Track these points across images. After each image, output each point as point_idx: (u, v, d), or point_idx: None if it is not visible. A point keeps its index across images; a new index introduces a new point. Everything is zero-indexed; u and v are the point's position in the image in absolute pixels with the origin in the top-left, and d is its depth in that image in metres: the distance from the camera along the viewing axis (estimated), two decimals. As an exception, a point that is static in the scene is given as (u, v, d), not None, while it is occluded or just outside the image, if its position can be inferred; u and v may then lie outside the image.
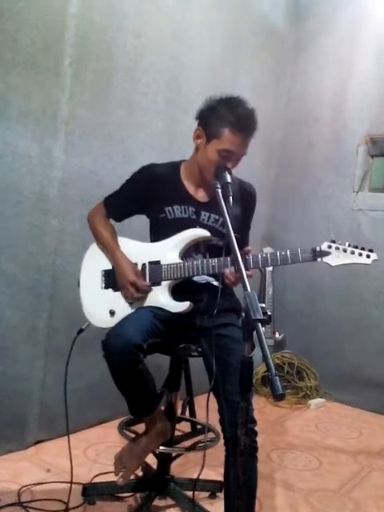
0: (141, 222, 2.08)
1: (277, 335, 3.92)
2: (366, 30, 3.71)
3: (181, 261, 1.88)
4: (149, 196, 1.98)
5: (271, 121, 3.90)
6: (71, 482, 2.00)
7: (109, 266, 1.97)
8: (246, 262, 1.73)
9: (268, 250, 3.70)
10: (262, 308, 1.29)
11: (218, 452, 1.85)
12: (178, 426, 2.31)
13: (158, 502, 2.14)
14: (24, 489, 2.16)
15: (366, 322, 3.66)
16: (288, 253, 1.75)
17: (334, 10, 3.86)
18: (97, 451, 2.61)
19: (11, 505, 2.04)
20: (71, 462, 1.98)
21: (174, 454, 2.19)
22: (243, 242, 1.93)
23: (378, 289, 3.62)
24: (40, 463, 2.43)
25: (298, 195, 4.02)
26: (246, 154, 1.89)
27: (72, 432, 1.99)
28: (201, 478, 1.81)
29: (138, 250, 1.97)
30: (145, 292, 1.88)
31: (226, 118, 1.81)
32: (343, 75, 3.81)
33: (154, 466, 2.19)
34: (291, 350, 3.88)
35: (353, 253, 1.75)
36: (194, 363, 2.22)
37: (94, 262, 2.01)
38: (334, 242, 1.75)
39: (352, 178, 3.78)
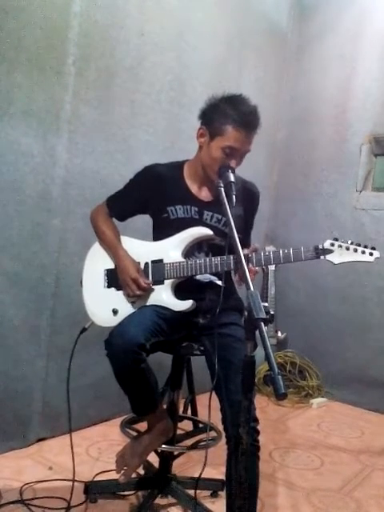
0: (144, 221, 2.08)
1: (279, 334, 3.92)
2: (370, 29, 3.70)
3: (183, 259, 1.87)
4: (152, 196, 1.97)
5: (274, 120, 3.90)
6: (73, 480, 2.00)
7: (111, 265, 1.97)
8: (248, 259, 1.72)
9: (270, 248, 3.69)
10: (264, 307, 1.29)
11: (220, 451, 1.86)
12: (179, 424, 2.31)
13: (159, 501, 2.15)
14: (26, 486, 2.17)
15: (368, 322, 3.66)
16: (291, 251, 1.74)
17: (338, 9, 3.86)
18: (99, 449, 2.62)
19: (13, 502, 2.05)
20: (73, 459, 1.99)
21: (175, 453, 2.19)
22: (246, 241, 1.93)
23: (381, 288, 3.61)
24: (42, 461, 2.44)
25: (300, 194, 4.01)
26: (249, 151, 1.88)
27: (74, 430, 1.99)
28: (202, 476, 1.81)
29: (140, 249, 1.97)
30: (146, 290, 1.88)
31: (228, 115, 1.81)
32: (347, 74, 3.80)
33: (156, 465, 2.20)
34: (293, 349, 3.87)
35: (356, 251, 1.74)
36: (196, 362, 2.22)
37: (97, 261, 2.01)
38: (336, 239, 1.74)
39: (355, 178, 3.77)
